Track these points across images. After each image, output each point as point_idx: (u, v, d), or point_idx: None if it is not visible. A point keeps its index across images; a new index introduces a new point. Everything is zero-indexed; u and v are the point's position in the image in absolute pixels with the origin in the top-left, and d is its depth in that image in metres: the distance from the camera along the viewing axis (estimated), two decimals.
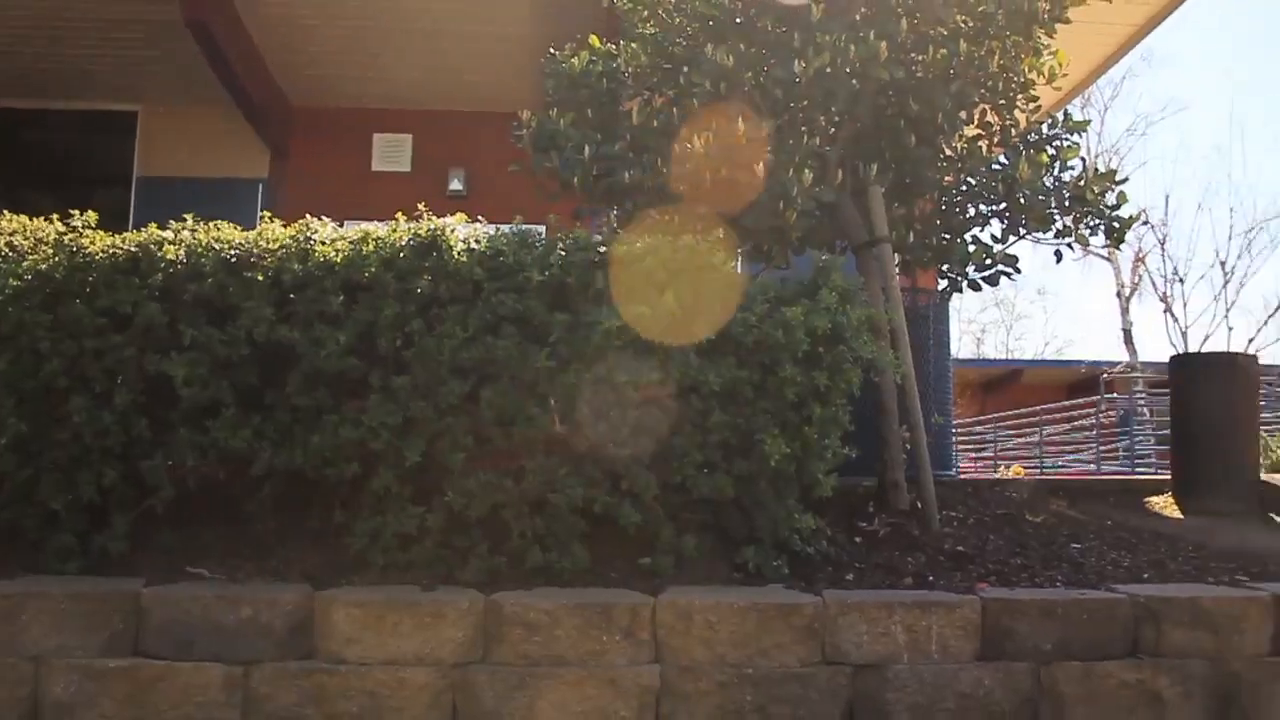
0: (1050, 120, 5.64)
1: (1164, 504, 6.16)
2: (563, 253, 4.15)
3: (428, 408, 3.93)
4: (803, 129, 5.11)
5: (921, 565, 4.35)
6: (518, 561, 3.91)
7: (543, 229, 4.92)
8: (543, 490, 3.93)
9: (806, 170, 4.82)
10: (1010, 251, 5.52)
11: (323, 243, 4.21)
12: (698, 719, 3.56)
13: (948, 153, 5.48)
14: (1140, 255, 28.77)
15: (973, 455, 21.51)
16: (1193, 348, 25.11)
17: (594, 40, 5.74)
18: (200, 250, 4.14)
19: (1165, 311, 28.24)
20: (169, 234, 4.26)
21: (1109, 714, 3.72)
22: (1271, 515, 5.94)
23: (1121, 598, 3.87)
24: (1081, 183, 5.33)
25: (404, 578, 3.89)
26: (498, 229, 4.40)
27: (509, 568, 3.91)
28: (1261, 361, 13.43)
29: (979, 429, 22.18)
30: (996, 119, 5.53)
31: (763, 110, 5.08)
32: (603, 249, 4.20)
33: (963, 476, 8.33)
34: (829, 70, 4.90)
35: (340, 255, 4.11)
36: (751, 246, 5.41)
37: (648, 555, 4.02)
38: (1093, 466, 16.42)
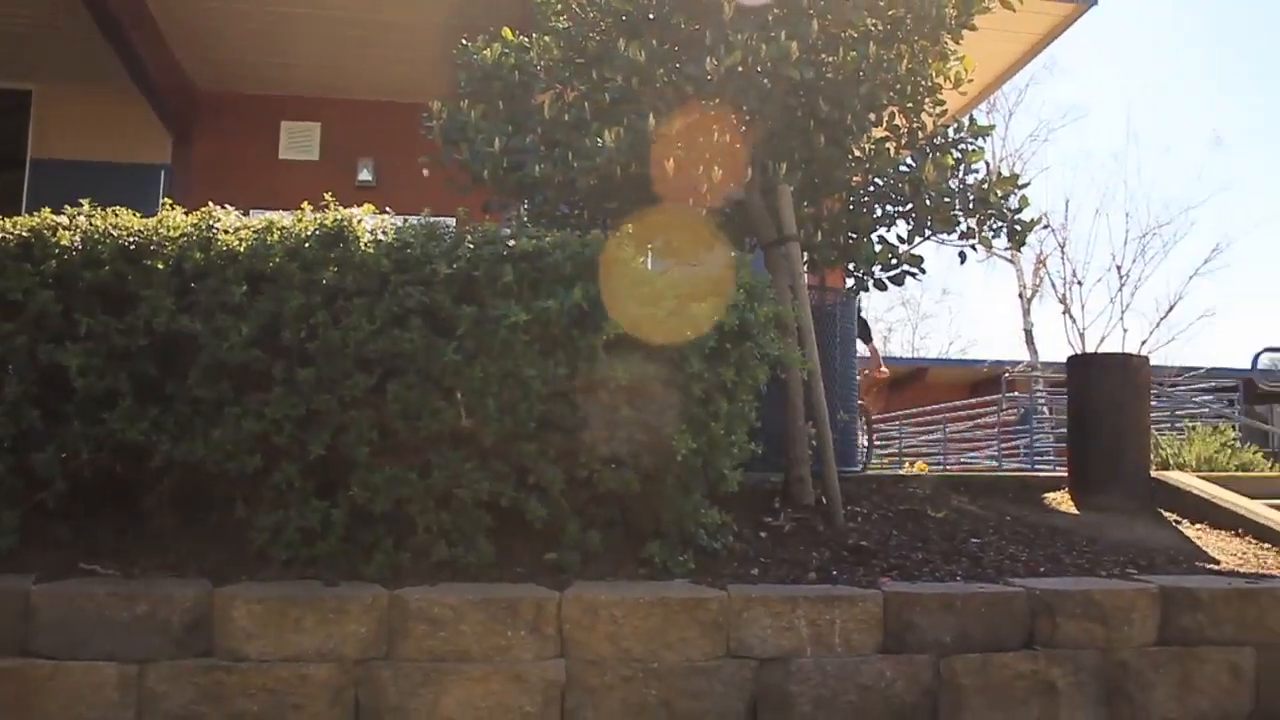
0: (956, 124, 5.76)
1: (1061, 500, 6.31)
2: (471, 246, 4.11)
3: (332, 401, 3.87)
4: (714, 126, 5.13)
5: (826, 560, 4.41)
6: (423, 556, 3.88)
7: (452, 222, 4.87)
8: (449, 484, 3.89)
9: (717, 167, 4.85)
10: (915, 252, 5.62)
11: (226, 231, 4.11)
12: (603, 714, 3.56)
13: (856, 153, 5.55)
14: (1041, 258, 29.48)
15: (879, 451, 21.80)
16: (1090, 348, 25.80)
17: (507, 33, 5.70)
18: (97, 236, 4.01)
19: (1064, 313, 28.99)
20: (64, 219, 4.13)
21: (1005, 704, 3.81)
22: (1161, 511, 6.13)
23: (1018, 591, 3.96)
24: (985, 186, 5.44)
25: (307, 573, 3.82)
26: (406, 221, 4.35)
27: (414, 563, 3.87)
28: (1153, 363, 13.87)
29: (885, 426, 22.49)
30: (904, 121, 5.62)
31: (674, 107, 5.09)
32: (511, 243, 4.17)
33: (870, 472, 8.45)
34: (740, 69, 4.94)
35: (244, 244, 4.02)
36: (662, 242, 5.43)
37: (554, 550, 4.01)
38: (994, 463, 16.77)
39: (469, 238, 4.18)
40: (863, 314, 8.38)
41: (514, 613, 3.57)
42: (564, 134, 5.27)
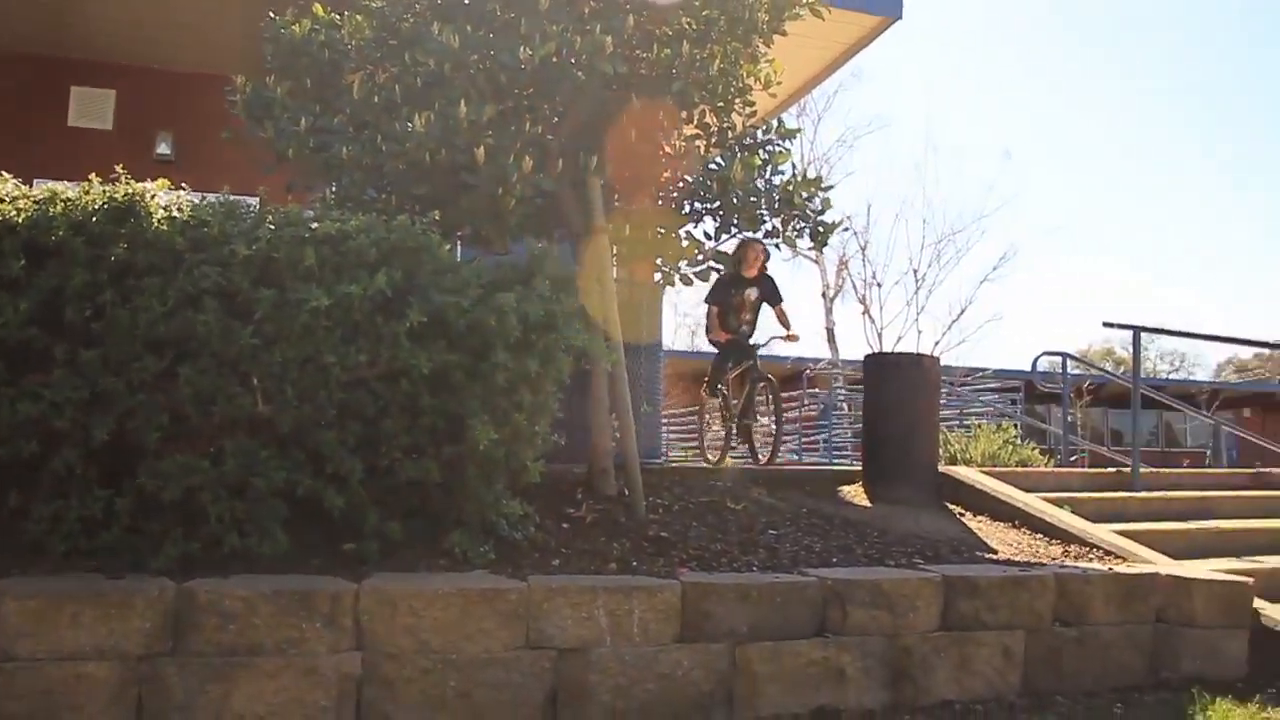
0: (765, 126, 5.89)
1: (855, 493, 6.55)
2: (272, 226, 3.99)
3: (119, 384, 3.68)
4: (526, 116, 5.11)
5: (626, 550, 4.46)
6: (215, 547, 3.73)
7: (255, 201, 4.71)
8: (243, 473, 3.77)
9: (527, 157, 4.83)
10: (722, 249, 5.73)
11: (3, 200, 3.86)
12: (401, 707, 3.51)
13: (667, 150, 5.62)
14: (844, 259, 30.41)
15: (683, 444, 22.16)
16: (888, 348, 26.80)
17: (318, 9, 5.54)
18: None
19: (864, 313, 29.98)
20: None
21: (797, 690, 3.94)
22: (947, 503, 6.43)
23: (811, 581, 4.10)
24: (791, 187, 5.59)
25: (88, 565, 3.63)
26: (204, 198, 4.18)
27: (205, 554, 3.72)
28: (944, 363, 14.50)
29: (691, 419, 22.87)
30: (715, 120, 5.72)
31: (486, 94, 5.05)
32: (314, 225, 4.06)
33: (674, 465, 8.58)
34: (555, 60, 4.93)
35: (23, 215, 3.78)
36: (470, 231, 5.38)
37: (353, 540, 3.93)
38: (795, 457, 17.25)
39: (270, 218, 4.05)
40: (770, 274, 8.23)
41: (309, 605, 3.48)
42: (373, 116, 5.16)
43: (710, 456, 8.88)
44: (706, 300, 8.19)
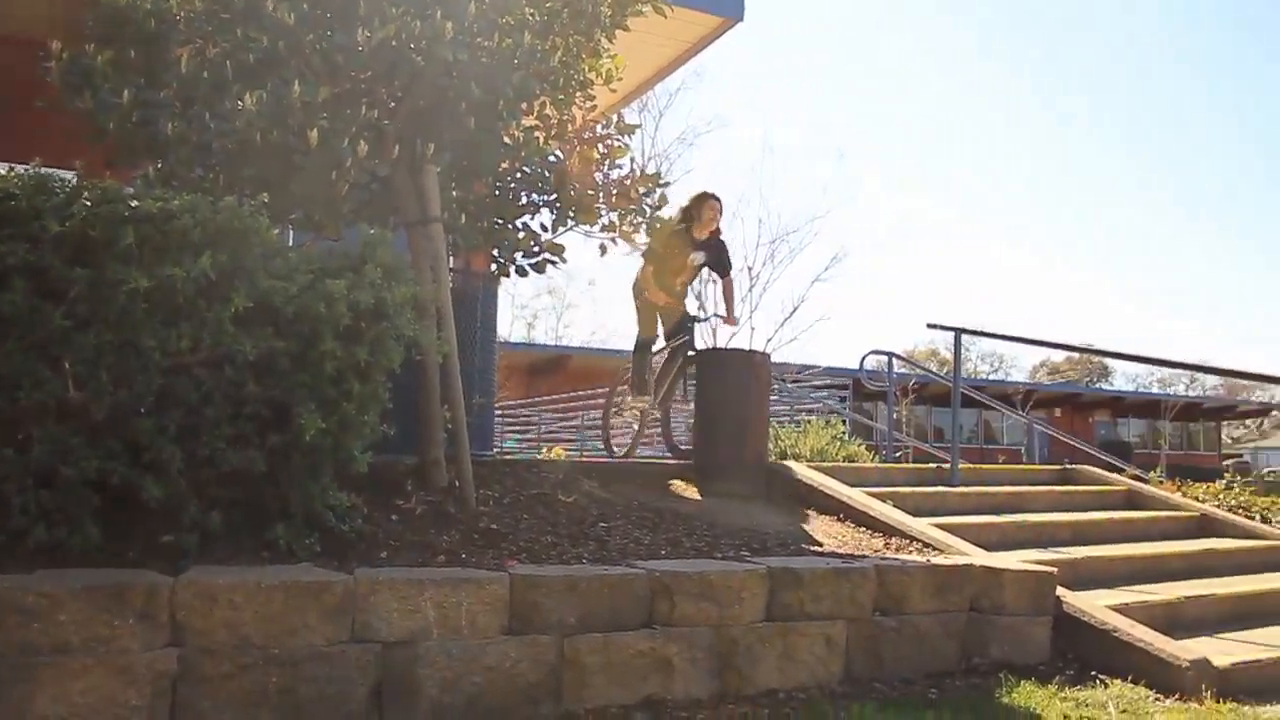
0: (605, 121, 5.91)
1: (685, 486, 6.63)
2: (88, 203, 3.79)
3: None
4: (362, 100, 5.01)
5: (456, 543, 4.42)
6: (20, 540, 3.54)
7: (71, 176, 4.47)
8: (52, 461, 3.58)
9: (362, 142, 4.73)
10: (558, 241, 5.73)
11: None
12: (219, 704, 3.40)
13: (506, 140, 5.58)
14: None
15: (517, 436, 22.10)
16: (722, 344, 27.24)
17: None
18: None
19: (700, 309, 30.41)
20: None
21: (625, 681, 3.97)
22: (776, 497, 6.58)
23: (640, 573, 4.13)
24: (628, 182, 5.63)
25: None
26: (12, 170, 3.95)
27: (10, 547, 3.53)
28: (776, 360, 14.80)
29: (525, 412, 22.80)
30: (555, 113, 5.72)
31: (322, 75, 4.92)
32: (135, 203, 3.88)
33: (506, 457, 8.53)
34: (394, 43, 4.84)
35: None
36: (301, 215, 5.24)
37: (171, 532, 3.78)
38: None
39: (86, 194, 3.85)
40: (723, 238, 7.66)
41: (121, 600, 3.33)
42: (202, 92, 4.96)
43: (616, 447, 8.47)
44: (644, 255, 7.35)
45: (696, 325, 7.68)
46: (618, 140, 5.79)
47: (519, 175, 5.72)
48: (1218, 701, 4.33)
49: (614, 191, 5.62)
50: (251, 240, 3.95)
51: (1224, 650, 4.86)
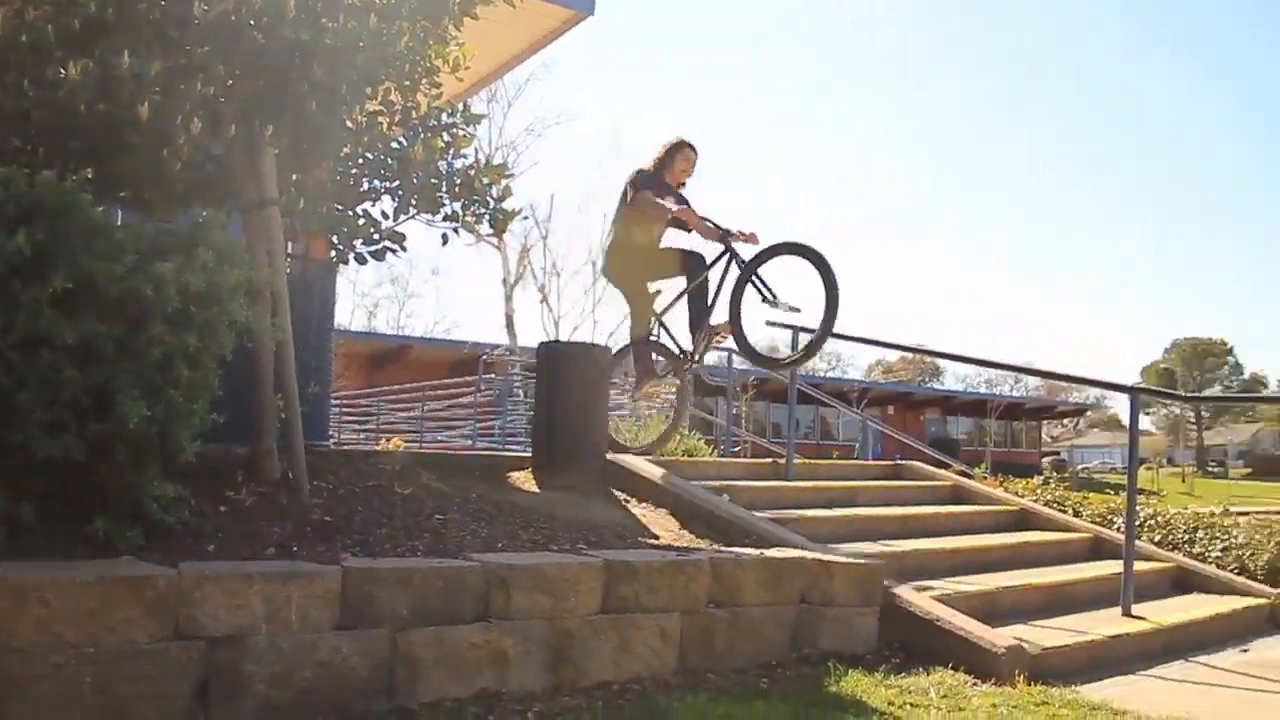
0: (451, 109, 5.84)
1: (525, 479, 6.62)
2: None
3: None
4: (198, 75, 4.82)
5: (288, 535, 4.32)
6: None
7: None
8: None
9: (197, 119, 4.56)
10: (399, 229, 5.64)
11: None
12: (29, 706, 3.23)
13: (349, 124, 5.46)
14: (526, 248, 30.69)
15: (356, 427, 21.72)
16: (564, 337, 27.25)
17: None
18: None
19: (542, 301, 30.38)
20: None
21: (460, 674, 3.93)
22: (615, 491, 6.61)
23: (475, 566, 4.10)
24: (472, 172, 5.57)
25: None
26: None
27: None
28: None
29: (365, 402, 22.44)
30: (399, 99, 5.61)
31: (154, 48, 4.71)
32: None
33: (343, 448, 8.36)
34: (233, 18, 4.67)
35: None
36: (131, 194, 5.02)
37: None
38: (469, 442, 17.24)
39: None
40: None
41: None
42: (20, 58, 4.68)
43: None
44: (641, 185, 6.94)
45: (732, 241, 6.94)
46: (463, 129, 5.72)
47: (361, 161, 5.59)
48: (1030, 685, 4.54)
49: (458, 181, 5.55)
50: (73, 217, 3.76)
51: (1037, 636, 5.10)
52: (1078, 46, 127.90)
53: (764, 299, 6.66)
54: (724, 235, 6.85)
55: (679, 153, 7.10)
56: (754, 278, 6.68)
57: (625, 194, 7.14)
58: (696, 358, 7.28)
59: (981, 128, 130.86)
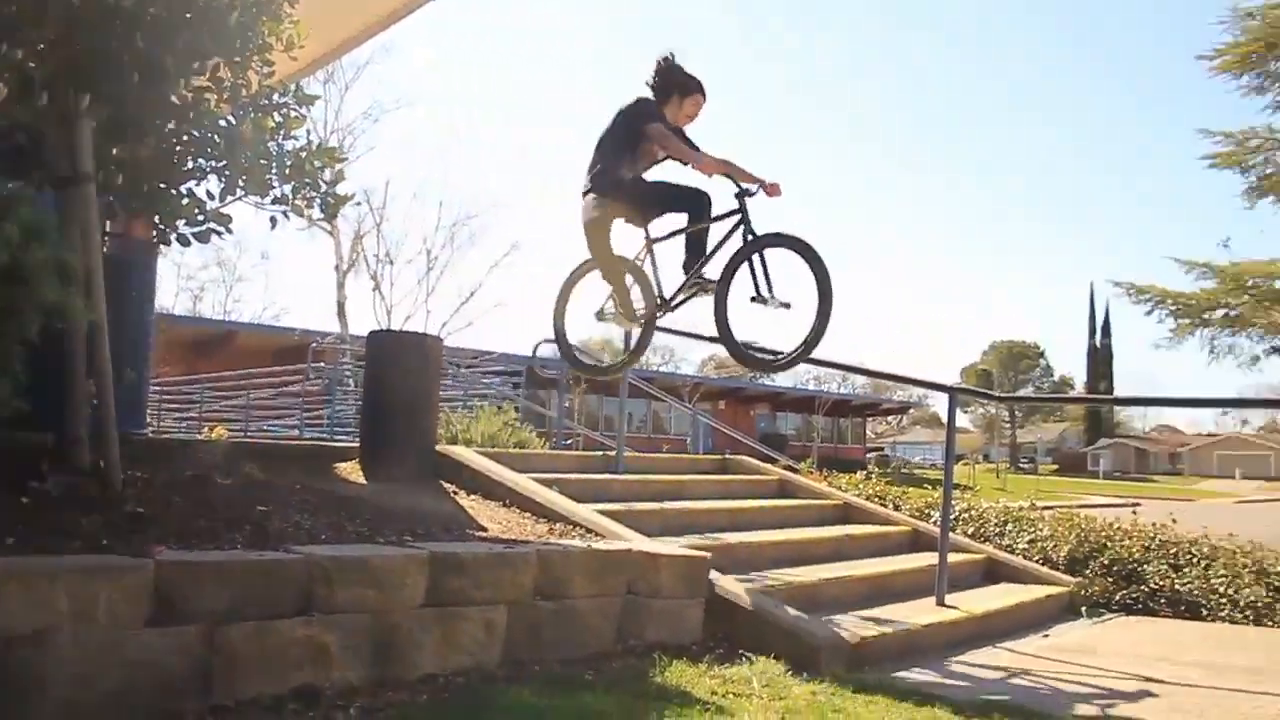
0: (284, 88, 5.66)
1: (352, 469, 6.50)
2: None
3: None
4: (7, 39, 4.55)
5: (98, 527, 4.12)
6: None
7: None
8: None
9: (2, 85, 4.31)
10: (226, 211, 5.44)
11: None
12: None
13: (174, 99, 5.23)
14: (360, 234, 30.09)
15: (177, 415, 20.97)
16: (397, 326, 26.85)
17: None
18: None
19: (375, 289, 29.86)
20: None
21: (279, 670, 3.81)
22: (444, 482, 6.55)
23: (297, 558, 4.00)
24: (304, 154, 5.42)
25: None
26: None
27: None
28: (451, 345, 14.72)
29: (187, 389, 21.67)
30: (229, 75, 5.40)
31: None
32: None
33: (163, 436, 8.06)
34: None
35: None
36: None
37: None
38: (297, 431, 16.84)
39: None
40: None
41: None
42: None
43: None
44: (653, 118, 6.01)
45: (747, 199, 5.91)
46: (296, 110, 5.55)
47: (186, 138, 5.37)
48: (848, 672, 4.71)
49: (289, 163, 5.37)
50: None
51: (856, 627, 5.28)
52: (908, 46, 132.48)
53: (755, 291, 5.78)
54: (743, 192, 5.89)
55: (689, 97, 6.17)
56: (758, 257, 5.81)
57: (626, 120, 6.13)
58: (674, 305, 6.36)
59: (808, 128, 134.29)
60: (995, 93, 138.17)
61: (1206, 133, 15.21)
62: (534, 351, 11.75)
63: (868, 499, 8.78)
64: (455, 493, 6.36)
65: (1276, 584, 7.24)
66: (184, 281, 49.14)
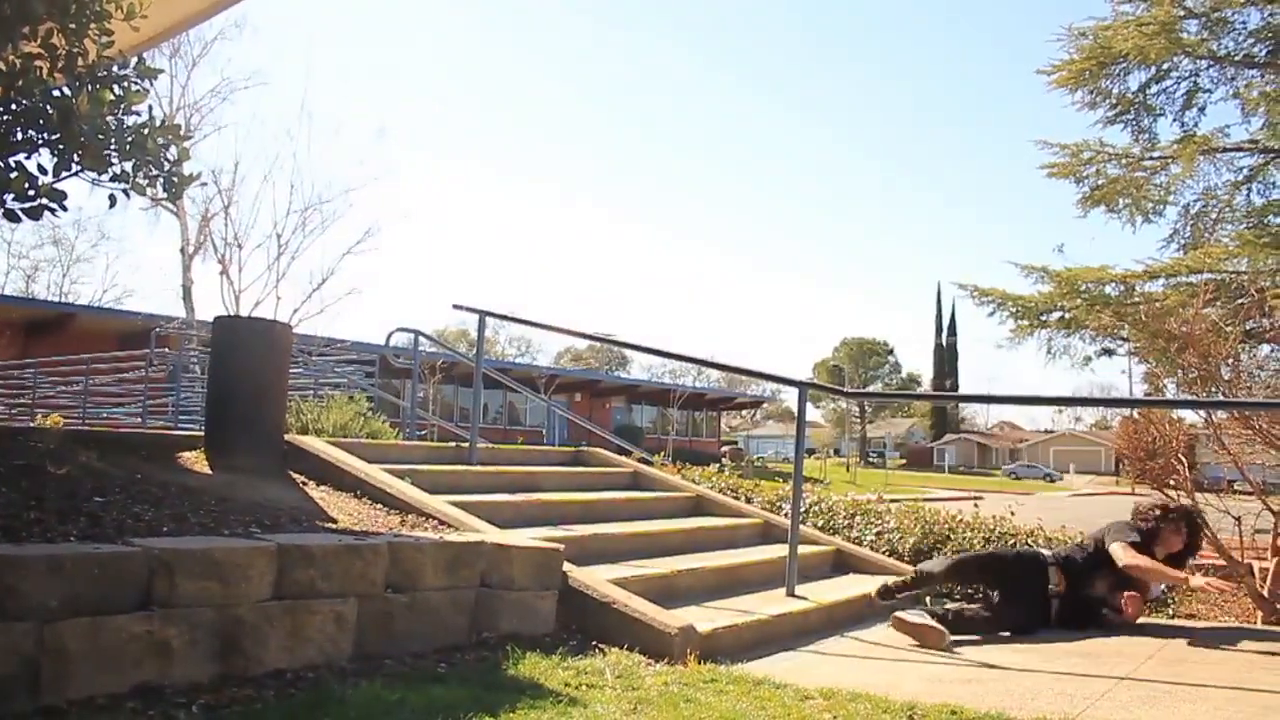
0: (124, 60, 5.41)
1: (197, 459, 6.29)
2: None
3: None
4: None
5: None
6: None
7: None
8: None
9: None
10: (60, 187, 5.17)
11: None
12: None
13: (0, 65, 4.95)
14: (207, 216, 29.09)
15: (7, 402, 20.03)
16: (245, 311, 26.07)
17: None
18: None
19: (223, 273, 28.90)
20: None
21: (117, 668, 3.66)
22: (293, 472, 6.39)
23: (136, 551, 3.83)
24: (146, 131, 5.19)
25: None
26: None
27: None
28: (303, 332, 14.39)
29: (18, 374, 20.68)
30: (62, 43, 5.13)
31: None
32: None
33: None
34: None
35: None
36: None
37: None
38: (139, 419, 16.22)
39: None
40: None
41: None
42: None
43: None
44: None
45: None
46: (137, 84, 5.30)
47: (15, 108, 5.08)
48: (700, 663, 4.74)
49: (129, 139, 5.13)
50: None
51: (709, 617, 5.32)
52: (766, 41, 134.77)
53: None
54: None
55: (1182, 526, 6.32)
56: None
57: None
58: None
59: (666, 115, 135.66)
60: (852, 94, 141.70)
61: (1045, 144, 15.84)
62: (388, 340, 11.54)
63: (721, 491, 8.88)
64: (305, 483, 6.21)
65: None
66: (15, 260, 46.90)
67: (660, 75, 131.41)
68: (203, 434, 6.69)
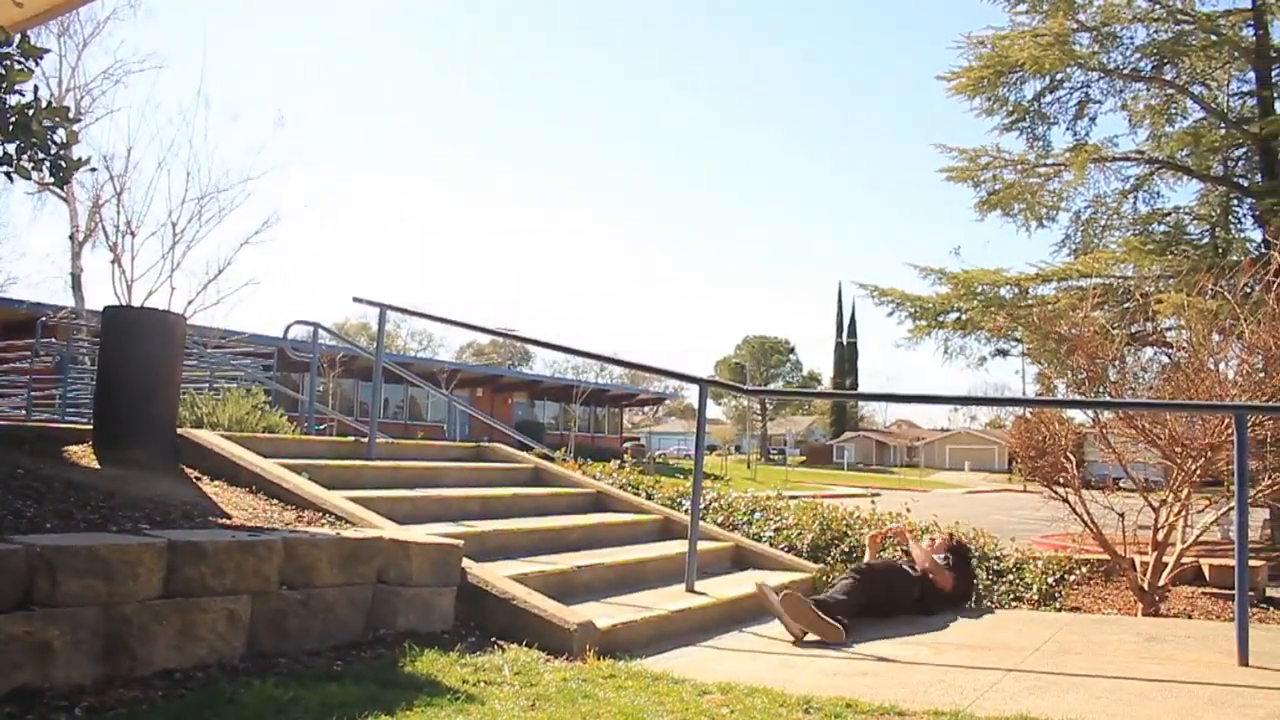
0: (7, 38, 5.22)
1: (84, 454, 6.11)
2: None
3: None
4: None
5: None
6: None
7: None
8: None
9: None
10: None
11: None
12: None
13: None
14: (99, 202, 28.25)
15: None
16: (138, 302, 25.42)
17: None
18: None
19: (114, 262, 28.15)
20: None
21: None
22: (186, 467, 6.24)
23: (15, 548, 3.69)
24: (30, 111, 5.02)
25: None
26: None
27: None
28: (199, 324, 14.07)
29: None
30: None
31: None
32: None
33: None
34: None
35: None
36: None
37: None
38: (23, 412, 15.68)
39: None
40: None
41: None
42: None
43: None
44: None
45: None
46: (20, 63, 5.12)
47: None
48: (599, 659, 4.75)
49: (12, 120, 4.96)
50: None
51: (608, 613, 5.33)
52: (681, 49, 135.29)
53: None
54: None
55: None
56: None
57: None
58: None
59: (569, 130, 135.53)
60: (759, 90, 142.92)
61: (944, 148, 16.20)
62: (286, 333, 11.33)
63: (621, 487, 8.90)
64: (198, 478, 6.06)
65: (995, 568, 7.77)
66: None
67: (554, 62, 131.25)
68: (91, 428, 6.50)
